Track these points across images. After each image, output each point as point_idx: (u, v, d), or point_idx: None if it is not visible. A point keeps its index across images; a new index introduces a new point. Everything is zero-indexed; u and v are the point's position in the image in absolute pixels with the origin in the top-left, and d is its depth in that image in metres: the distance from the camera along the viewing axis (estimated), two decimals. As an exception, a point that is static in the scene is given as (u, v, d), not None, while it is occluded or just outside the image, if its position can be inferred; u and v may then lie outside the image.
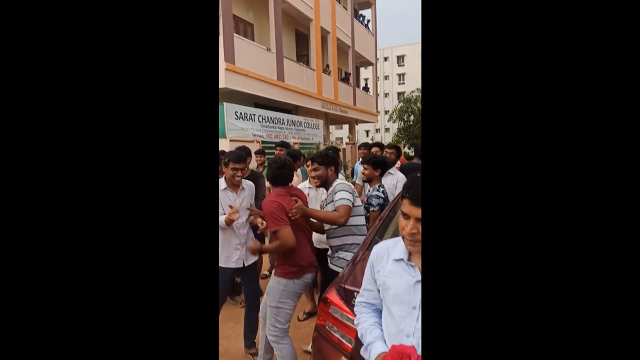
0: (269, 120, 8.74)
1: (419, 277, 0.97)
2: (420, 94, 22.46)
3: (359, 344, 1.19)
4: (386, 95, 42.72)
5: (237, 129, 7.48)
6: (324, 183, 2.21)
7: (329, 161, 2.18)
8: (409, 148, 21.23)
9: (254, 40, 9.48)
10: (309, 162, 2.26)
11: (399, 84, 43.17)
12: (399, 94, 37.96)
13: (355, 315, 1.16)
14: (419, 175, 0.99)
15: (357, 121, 16.19)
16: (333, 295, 1.51)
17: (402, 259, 1.02)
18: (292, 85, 10.37)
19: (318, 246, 2.34)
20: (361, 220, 2.19)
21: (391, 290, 1.01)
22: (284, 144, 4.04)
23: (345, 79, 14.53)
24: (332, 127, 21.59)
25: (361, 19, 16.40)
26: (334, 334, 1.48)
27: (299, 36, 12.18)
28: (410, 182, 0.98)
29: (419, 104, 22.13)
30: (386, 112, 34.88)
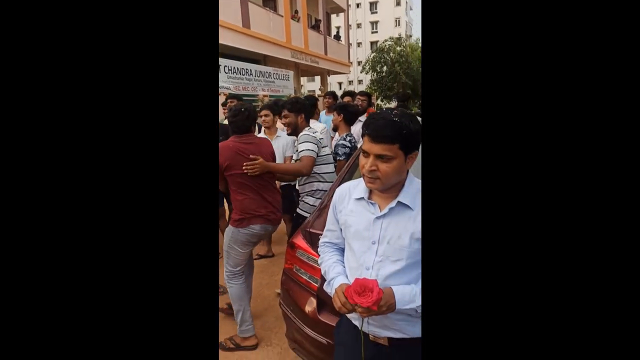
0: (236, 71, 8.29)
1: (379, 214, 0.99)
2: (393, 44, 21.91)
3: (324, 282, 1.24)
4: (359, 44, 41.39)
5: (202, 80, 7.07)
6: (294, 130, 2.23)
7: (298, 108, 2.19)
8: (382, 100, 21.10)
9: (214, -18, 8.68)
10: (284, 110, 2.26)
11: (372, 32, 41.73)
12: (372, 43, 36.77)
13: (319, 255, 1.19)
14: (384, 110, 0.98)
15: (329, 72, 15.73)
16: (300, 240, 1.54)
17: (363, 198, 1.03)
18: (259, 33, 9.77)
19: None
20: (329, 168, 2.23)
21: (352, 227, 1.04)
22: (234, 96, 3.84)
23: (315, 27, 13.83)
24: (303, 80, 20.92)
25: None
26: (301, 275, 1.54)
27: (265, -22, 11.27)
28: (370, 119, 0.97)
29: (392, 54, 21.64)
30: (359, 62, 34.03)
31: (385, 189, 0.98)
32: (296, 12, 12.21)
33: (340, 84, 38.49)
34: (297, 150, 2.11)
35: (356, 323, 1.04)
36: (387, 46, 21.96)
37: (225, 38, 8.44)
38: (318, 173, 2.18)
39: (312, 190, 2.20)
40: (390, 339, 1.00)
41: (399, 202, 0.98)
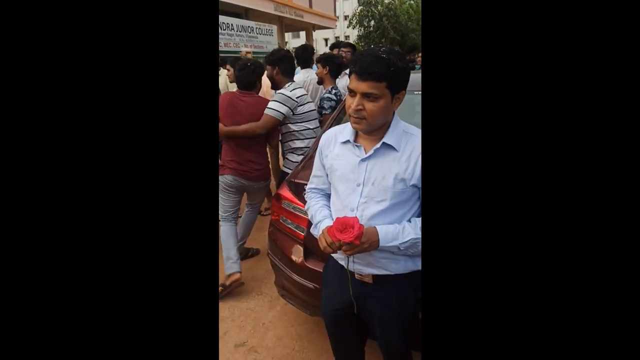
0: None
1: (364, 156, 0.99)
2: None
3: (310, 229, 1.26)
4: (345, -3, 39.32)
5: (179, 36, 6.69)
6: (273, 84, 2.21)
7: (273, 60, 2.15)
8: (369, 57, 20.48)
9: None
10: None
11: (359, -16, 39.56)
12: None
13: (306, 201, 1.20)
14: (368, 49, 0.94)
15: (314, 27, 15.04)
16: (285, 191, 1.54)
17: (349, 141, 1.02)
18: (238, -17, 9.14)
19: None
20: (309, 124, 2.22)
21: (338, 171, 1.04)
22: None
23: (299, -23, 12.99)
24: (288, 36, 20.00)
25: None
26: (287, 225, 1.55)
27: None
28: (357, 55, 0.93)
29: (380, 7, 20.70)
30: (345, 17, 32.54)
31: (371, 130, 0.97)
32: (278, -41, 11.38)
33: (326, 40, 36.96)
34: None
35: (342, 263, 1.06)
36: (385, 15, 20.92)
37: (203, -12, 7.88)
38: (297, 131, 2.18)
39: (293, 148, 2.22)
40: (374, 277, 1.04)
41: (383, 143, 0.97)
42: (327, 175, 1.11)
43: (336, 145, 1.06)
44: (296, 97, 2.10)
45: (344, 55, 3.29)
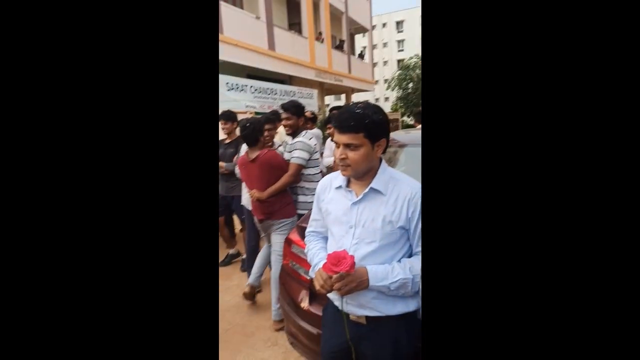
0: (262, 91, 8.64)
1: (355, 200, 1.06)
2: (418, 60, 21.91)
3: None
4: (385, 63, 41.72)
5: (229, 100, 7.42)
6: (294, 132, 2.48)
7: (297, 111, 2.44)
8: (408, 116, 20.98)
9: (242, 9, 9.23)
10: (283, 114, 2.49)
11: (399, 51, 42.00)
12: (398, 61, 36.94)
13: (306, 244, 1.26)
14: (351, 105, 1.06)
15: (353, 90, 15.95)
16: (294, 235, 1.62)
17: (341, 186, 1.10)
18: (284, 55, 10.18)
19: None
20: (316, 170, 2.48)
21: (332, 214, 1.11)
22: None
23: (339, 47, 14.20)
24: (330, 98, 21.27)
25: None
26: (296, 270, 1.60)
27: (290, 3, 11.80)
28: (337, 113, 1.05)
29: (417, 71, 21.60)
30: (385, 80, 34.17)
31: (359, 176, 1.05)
32: (320, 33, 12.63)
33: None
34: (289, 151, 2.39)
35: (337, 304, 1.09)
36: (413, 63, 21.97)
37: (252, 60, 8.88)
38: (310, 174, 2.42)
39: (300, 188, 2.45)
40: (367, 318, 1.05)
41: (371, 188, 1.04)
42: (324, 218, 1.18)
43: (331, 190, 1.15)
44: (313, 144, 2.41)
45: None
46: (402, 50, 41.55)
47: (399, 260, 1.03)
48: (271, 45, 9.74)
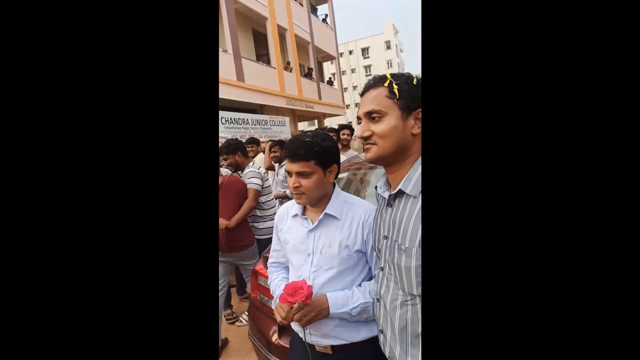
0: (233, 121, 8.67)
1: (311, 227, 1.05)
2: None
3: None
4: (355, 87, 43.07)
5: (199, 132, 7.39)
6: (236, 167, 2.72)
7: (232, 150, 2.67)
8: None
9: (209, 43, 9.38)
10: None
11: (366, 75, 43.56)
12: (367, 85, 38.29)
13: (268, 276, 1.23)
14: (301, 134, 1.07)
15: (325, 115, 16.28)
16: (260, 267, 1.58)
17: (297, 214, 1.10)
18: (253, 85, 10.33)
19: None
20: (269, 197, 2.77)
21: (290, 243, 1.10)
22: (254, 140, 4.24)
23: (308, 75, 14.58)
24: (304, 124, 21.62)
25: (319, 14, 16.47)
26: (265, 303, 1.55)
27: (257, 35, 12.12)
28: (288, 142, 1.07)
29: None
30: (356, 104, 35.16)
31: (313, 202, 1.05)
32: (288, 63, 12.96)
33: (338, 125, 39.55)
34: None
35: (301, 335, 1.06)
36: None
37: (221, 92, 8.94)
38: (264, 202, 2.68)
39: (259, 217, 2.71)
40: (333, 347, 1.02)
41: (326, 213, 1.04)
42: (283, 248, 1.17)
43: (288, 219, 1.14)
44: (263, 173, 2.60)
45: (344, 137, 3.60)
46: (369, 74, 43.12)
47: (359, 285, 1.02)
48: (240, 76, 9.88)
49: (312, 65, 14.85)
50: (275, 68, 11.76)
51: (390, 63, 43.28)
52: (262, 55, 12.18)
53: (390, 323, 0.83)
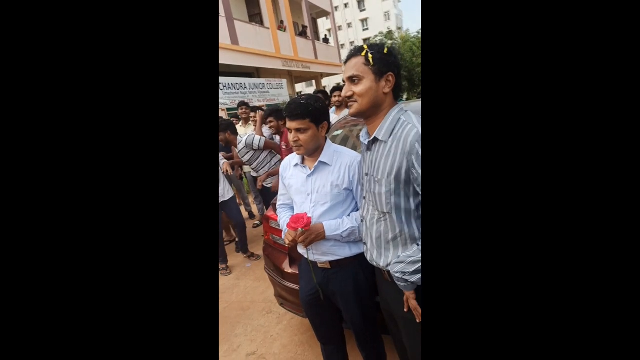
0: (231, 86, 8.76)
1: (309, 173, 1.34)
2: (383, 38, 22.12)
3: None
4: (352, 43, 41.67)
5: (199, 100, 7.52)
6: (227, 144, 3.30)
7: (223, 128, 3.19)
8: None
9: (200, 6, 9.20)
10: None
11: (364, 30, 42.02)
12: (364, 40, 37.04)
13: (277, 216, 1.54)
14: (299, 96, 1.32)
15: (322, 75, 16.11)
16: (271, 213, 1.88)
17: (298, 164, 1.38)
18: (248, 48, 10.24)
19: None
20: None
21: (293, 187, 1.39)
22: (244, 103, 4.51)
23: (302, 33, 14.26)
24: (302, 85, 21.34)
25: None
26: (276, 241, 1.88)
27: (248, -5, 11.77)
28: (287, 105, 1.32)
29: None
30: (354, 61, 34.15)
31: (309, 153, 1.33)
32: (282, 22, 12.66)
33: (337, 84, 38.78)
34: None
35: (305, 255, 1.37)
36: (378, 41, 22.13)
37: (217, 57, 8.92)
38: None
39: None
40: (331, 263, 1.34)
41: (320, 161, 1.32)
42: (288, 191, 1.46)
43: (291, 168, 1.42)
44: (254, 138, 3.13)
45: (335, 99, 3.77)
46: (367, 29, 41.56)
47: (348, 215, 1.32)
48: (234, 39, 9.78)
49: (307, 23, 14.47)
50: (269, 28, 11.54)
51: (388, 15, 41.48)
52: (255, 16, 11.90)
53: (370, 235, 1.13)
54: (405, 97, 16.36)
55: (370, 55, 1.03)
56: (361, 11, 42.83)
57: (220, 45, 9.07)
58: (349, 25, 42.71)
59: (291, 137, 1.29)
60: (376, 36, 22.68)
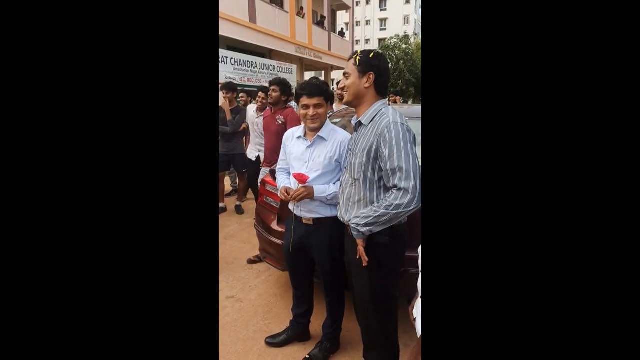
0: (242, 63, 8.93)
1: (308, 144, 1.63)
2: (398, 41, 22.32)
3: (283, 204, 1.88)
4: (367, 41, 41.73)
5: (209, 71, 7.70)
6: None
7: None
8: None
9: (224, -21, 9.31)
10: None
11: (381, 29, 42.04)
12: (380, 40, 37.18)
13: (276, 178, 1.83)
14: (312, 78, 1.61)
15: (332, 67, 16.29)
16: (268, 178, 2.17)
17: (301, 136, 1.67)
18: (264, 28, 10.40)
19: None
20: None
21: (294, 154, 1.68)
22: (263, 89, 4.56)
23: (320, 23, 14.41)
24: (311, 74, 21.51)
25: (338, -43, 15.79)
26: (269, 202, 2.17)
27: (272, -25, 11.86)
28: (303, 85, 1.61)
29: (397, 52, 22.08)
30: (366, 59, 34.20)
31: (321, 126, 1.61)
32: (301, 8, 12.80)
33: (347, 80, 38.82)
34: None
35: (293, 211, 1.67)
36: (393, 44, 22.33)
37: (233, 32, 9.09)
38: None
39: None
40: (313, 220, 1.64)
41: (318, 136, 1.61)
42: (288, 158, 1.75)
43: (294, 139, 1.72)
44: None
45: (339, 92, 4.05)
46: (384, 29, 41.56)
47: (335, 183, 1.61)
48: (252, 18, 9.92)
49: (326, 14, 14.60)
50: (288, 12, 11.67)
51: (407, 19, 41.54)
52: (276, -2, 12.01)
53: (343, 196, 1.45)
54: (411, 101, 16.69)
55: (358, 59, 1.36)
56: (382, 10, 42.75)
57: (237, 21, 9.23)
58: (367, 22, 42.64)
59: (310, 111, 1.57)
60: (392, 38, 22.88)
